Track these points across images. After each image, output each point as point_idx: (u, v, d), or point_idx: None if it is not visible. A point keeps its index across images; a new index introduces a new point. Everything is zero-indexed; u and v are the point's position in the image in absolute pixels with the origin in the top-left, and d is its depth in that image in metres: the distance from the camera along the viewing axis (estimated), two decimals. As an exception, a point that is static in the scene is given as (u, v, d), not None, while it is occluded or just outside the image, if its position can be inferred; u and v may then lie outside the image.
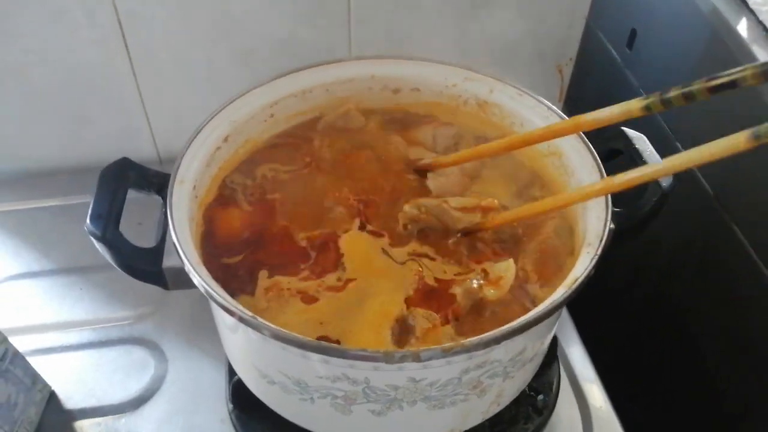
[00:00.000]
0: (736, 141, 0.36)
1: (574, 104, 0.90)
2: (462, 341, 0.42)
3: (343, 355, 0.42)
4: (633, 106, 0.44)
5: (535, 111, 0.59)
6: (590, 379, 0.65)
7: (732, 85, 0.35)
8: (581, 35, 0.81)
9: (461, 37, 0.81)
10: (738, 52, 0.68)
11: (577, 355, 0.67)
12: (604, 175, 0.53)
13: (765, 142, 0.34)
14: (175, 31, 0.75)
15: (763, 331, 0.66)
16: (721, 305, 0.71)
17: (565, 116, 0.58)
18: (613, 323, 0.88)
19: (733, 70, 0.35)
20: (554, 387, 0.62)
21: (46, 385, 0.62)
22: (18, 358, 0.58)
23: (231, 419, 0.60)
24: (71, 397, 0.63)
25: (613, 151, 0.56)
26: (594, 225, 0.49)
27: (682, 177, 0.54)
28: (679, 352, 0.78)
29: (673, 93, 0.39)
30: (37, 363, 0.62)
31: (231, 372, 0.60)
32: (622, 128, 0.56)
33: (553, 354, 0.62)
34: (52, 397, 0.63)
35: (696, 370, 0.75)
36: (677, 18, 0.78)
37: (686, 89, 0.38)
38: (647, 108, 0.43)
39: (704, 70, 0.72)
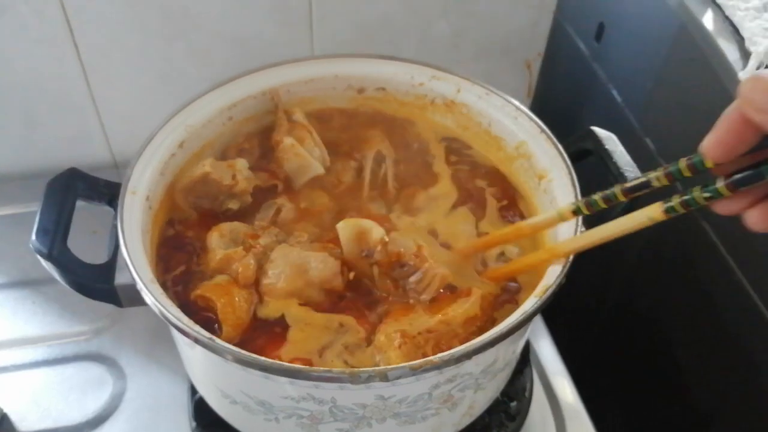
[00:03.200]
0: (652, 214, 0.40)
1: (542, 99, 0.89)
2: (430, 358, 0.40)
3: (307, 377, 0.40)
4: (563, 209, 0.47)
5: (504, 110, 0.57)
6: (562, 380, 0.64)
7: (646, 185, 0.40)
8: (549, 29, 0.80)
9: (427, 33, 0.78)
10: (704, 46, 0.67)
11: (549, 357, 0.66)
12: (574, 175, 0.51)
13: (678, 213, 0.38)
14: (128, 30, 0.72)
15: (734, 330, 0.65)
16: (692, 304, 0.71)
17: (532, 115, 0.56)
18: (583, 324, 0.87)
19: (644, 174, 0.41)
20: (527, 392, 0.60)
21: (-3, 408, 0.59)
22: (-36, 381, 0.55)
23: (194, 437, 0.57)
24: (25, 419, 0.60)
25: (583, 152, 0.55)
26: (564, 230, 0.48)
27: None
28: (650, 352, 0.77)
29: (596, 196, 0.44)
30: (-14, 384, 0.59)
31: (193, 389, 0.57)
32: (592, 128, 0.55)
33: (525, 360, 0.61)
34: (4, 419, 0.59)
35: (667, 369, 0.75)
36: (645, 11, 0.77)
37: (606, 192, 0.43)
38: (577, 211, 0.46)
39: (672, 63, 0.72)
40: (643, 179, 0.40)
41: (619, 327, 0.83)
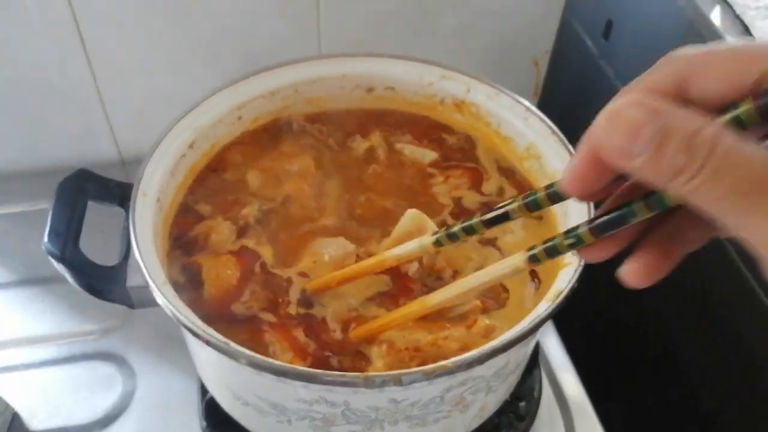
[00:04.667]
0: (515, 263, 0.38)
1: (548, 98, 0.89)
2: (443, 363, 0.40)
3: (321, 381, 0.40)
4: (425, 242, 0.44)
5: (513, 111, 0.57)
6: (569, 378, 0.65)
7: (505, 216, 0.37)
8: (557, 27, 0.79)
9: (435, 30, 0.78)
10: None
11: (556, 356, 0.66)
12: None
13: (542, 263, 0.36)
14: (134, 26, 0.71)
15: (740, 331, 0.66)
16: (700, 305, 0.71)
17: (543, 115, 0.56)
18: (590, 325, 0.87)
19: (503, 203, 0.37)
20: (536, 392, 0.61)
21: (8, 406, 0.59)
22: (-24, 381, 0.55)
23: (204, 437, 0.58)
24: (35, 416, 0.60)
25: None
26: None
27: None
28: (657, 353, 0.78)
29: (455, 228, 0.41)
30: (-3, 382, 0.59)
31: (203, 389, 0.57)
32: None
33: (534, 361, 0.61)
34: (15, 418, 0.60)
35: (672, 370, 0.75)
36: (653, 9, 0.77)
37: (465, 223, 0.40)
38: (437, 242, 0.43)
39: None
40: (501, 210, 0.37)
41: (625, 325, 0.83)
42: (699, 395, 0.72)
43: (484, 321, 0.47)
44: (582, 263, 0.45)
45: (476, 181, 0.58)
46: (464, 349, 0.45)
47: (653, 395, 0.79)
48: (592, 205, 0.48)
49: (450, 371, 0.40)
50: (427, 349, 0.45)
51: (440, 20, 0.78)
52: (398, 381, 0.39)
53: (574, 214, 0.49)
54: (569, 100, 0.90)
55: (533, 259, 0.36)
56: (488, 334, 0.46)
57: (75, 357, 0.64)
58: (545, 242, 0.35)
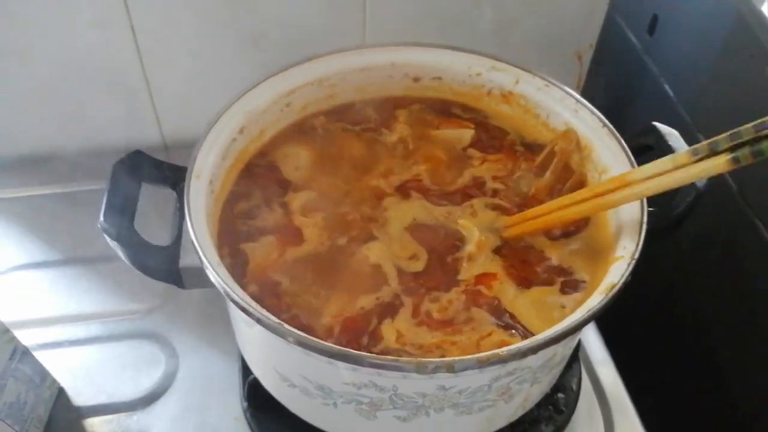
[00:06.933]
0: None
1: (590, 92, 0.88)
2: (497, 351, 0.40)
3: (372, 364, 0.40)
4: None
5: (563, 103, 0.57)
6: (609, 373, 0.64)
7: None
8: (603, 21, 0.79)
9: (478, 22, 0.78)
10: (764, 37, 0.65)
11: (596, 350, 0.66)
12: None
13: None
14: (183, 13, 0.72)
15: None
16: (740, 302, 0.70)
17: (594, 108, 0.56)
18: (629, 318, 0.87)
19: None
20: (575, 386, 0.60)
21: (54, 382, 0.60)
22: (26, 355, 0.56)
23: (245, 417, 0.58)
24: (80, 394, 0.61)
25: (644, 147, 0.54)
26: (628, 226, 0.48)
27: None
28: (695, 349, 0.77)
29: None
30: (43, 358, 0.60)
31: (245, 370, 0.58)
32: (654, 123, 0.54)
33: (574, 355, 0.61)
34: (61, 393, 0.61)
35: (712, 367, 0.75)
36: (702, 3, 0.76)
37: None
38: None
39: (728, 56, 0.70)
40: None
41: (663, 321, 0.82)
42: (737, 396, 0.72)
43: (500, 335, 0.47)
44: (636, 257, 0.45)
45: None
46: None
47: (690, 394, 0.79)
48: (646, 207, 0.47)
49: (503, 360, 0.40)
50: (432, 349, 0.46)
51: (484, 12, 0.78)
52: (450, 368, 0.40)
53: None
54: (611, 95, 0.89)
55: (735, 161, 0.39)
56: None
57: (119, 335, 0.65)
58: (751, 145, 0.37)
